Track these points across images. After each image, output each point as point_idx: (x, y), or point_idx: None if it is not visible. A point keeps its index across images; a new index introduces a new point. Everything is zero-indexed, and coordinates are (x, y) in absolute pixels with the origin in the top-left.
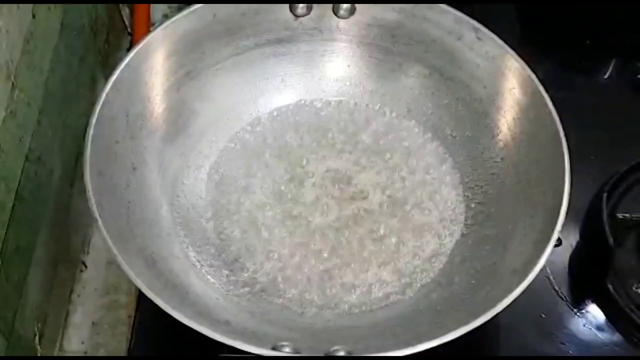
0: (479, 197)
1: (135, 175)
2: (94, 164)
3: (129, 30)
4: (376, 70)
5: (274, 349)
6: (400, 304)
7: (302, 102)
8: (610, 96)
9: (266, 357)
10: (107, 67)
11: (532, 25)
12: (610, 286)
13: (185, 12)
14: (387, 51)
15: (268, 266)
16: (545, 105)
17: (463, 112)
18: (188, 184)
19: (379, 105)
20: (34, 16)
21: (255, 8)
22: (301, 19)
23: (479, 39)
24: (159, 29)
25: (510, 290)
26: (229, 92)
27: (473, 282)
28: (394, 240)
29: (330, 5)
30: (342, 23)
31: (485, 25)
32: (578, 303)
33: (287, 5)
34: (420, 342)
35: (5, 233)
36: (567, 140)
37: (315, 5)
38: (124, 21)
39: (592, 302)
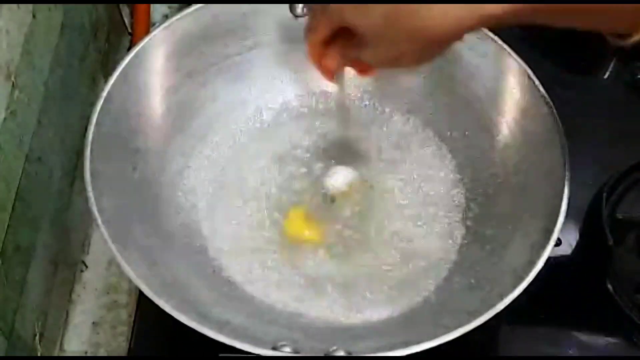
0: (479, 197)
1: (135, 175)
2: (94, 164)
3: (129, 30)
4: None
5: (274, 349)
6: (400, 304)
7: (302, 102)
8: (610, 96)
9: (266, 357)
10: (107, 67)
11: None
12: (610, 286)
13: (185, 12)
14: None
15: (268, 266)
16: (545, 105)
17: (463, 112)
18: (188, 184)
19: (379, 105)
20: (34, 16)
21: (255, 8)
22: (301, 19)
23: (479, 39)
24: (159, 29)
25: (510, 290)
26: (229, 92)
27: (473, 281)
28: (393, 240)
29: None
30: None
31: None
32: (578, 303)
33: (287, 5)
34: (420, 342)
35: (5, 233)
36: (567, 140)
37: None
38: (124, 21)
39: (592, 302)
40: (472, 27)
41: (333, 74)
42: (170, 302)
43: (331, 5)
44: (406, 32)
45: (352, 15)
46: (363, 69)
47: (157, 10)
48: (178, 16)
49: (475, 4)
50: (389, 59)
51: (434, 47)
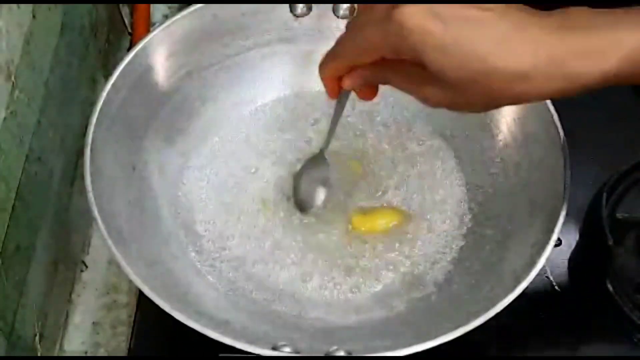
0: (479, 197)
1: (135, 175)
2: (94, 164)
3: (129, 30)
4: None
5: (274, 349)
6: (400, 304)
7: (302, 101)
8: (610, 96)
9: (266, 357)
10: (107, 67)
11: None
12: (610, 286)
13: (185, 12)
14: None
15: (268, 266)
16: (545, 105)
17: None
18: (188, 184)
19: (378, 105)
20: (34, 16)
21: (255, 8)
22: (301, 19)
23: None
24: (159, 29)
25: (510, 290)
26: (229, 92)
27: (473, 282)
28: (394, 240)
29: (330, 5)
30: (342, 23)
31: None
32: (578, 303)
33: (287, 5)
34: (420, 342)
35: (5, 233)
36: (567, 140)
37: (315, 5)
38: (124, 21)
39: (592, 302)
40: (564, 96)
41: (340, 93)
42: (170, 302)
43: (410, 39)
44: (491, 94)
45: (440, 59)
46: (369, 93)
47: (157, 10)
48: (178, 16)
49: (576, 75)
50: (454, 104)
51: (511, 104)
